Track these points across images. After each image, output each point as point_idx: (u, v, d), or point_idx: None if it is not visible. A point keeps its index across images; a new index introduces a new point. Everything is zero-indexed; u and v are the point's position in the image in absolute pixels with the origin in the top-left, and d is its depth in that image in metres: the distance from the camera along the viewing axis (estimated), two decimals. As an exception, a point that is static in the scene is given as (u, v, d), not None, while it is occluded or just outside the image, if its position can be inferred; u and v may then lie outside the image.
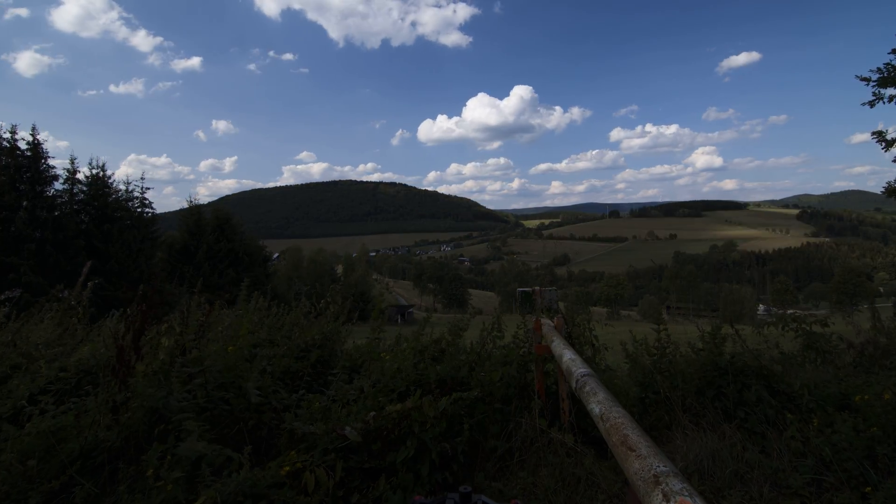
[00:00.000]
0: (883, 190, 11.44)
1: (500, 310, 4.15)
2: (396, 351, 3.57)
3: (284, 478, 2.21)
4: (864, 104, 10.31)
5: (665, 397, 3.12)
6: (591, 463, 2.50)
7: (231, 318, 4.30)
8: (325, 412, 2.65)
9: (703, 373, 3.19)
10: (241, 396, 2.84)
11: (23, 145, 27.90)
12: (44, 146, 28.84)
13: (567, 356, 2.03)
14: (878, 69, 9.51)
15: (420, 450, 2.36)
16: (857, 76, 9.68)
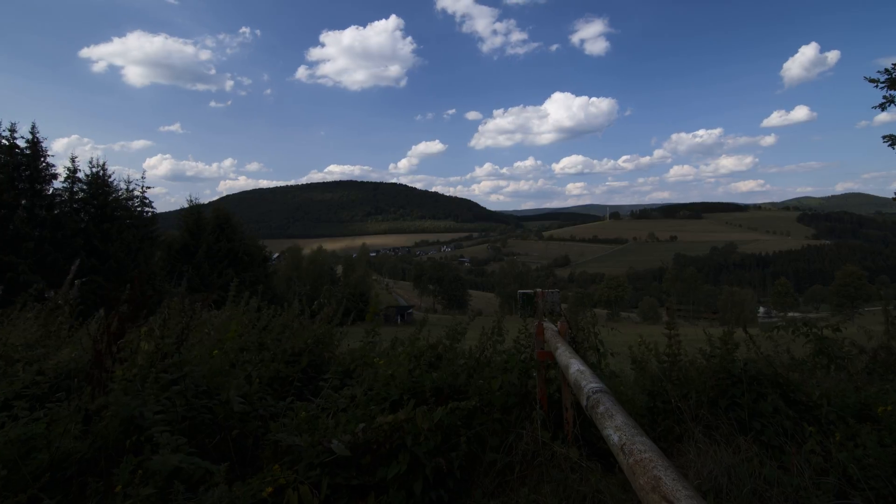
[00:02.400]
0: (895, 194, 11.33)
1: (501, 312, 3.97)
2: (391, 356, 3.39)
3: (266, 496, 2.04)
4: (874, 107, 10.15)
5: (676, 407, 2.94)
6: (598, 479, 2.32)
7: (220, 320, 4.12)
8: (311, 422, 2.47)
9: (716, 381, 3.01)
10: (223, 404, 2.67)
11: (22, 143, 27.78)
12: (43, 144, 28.72)
13: (574, 367, 1.85)
14: (887, 70, 9.34)
15: (413, 465, 2.19)
16: (865, 77, 9.52)
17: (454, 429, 2.44)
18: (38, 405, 2.86)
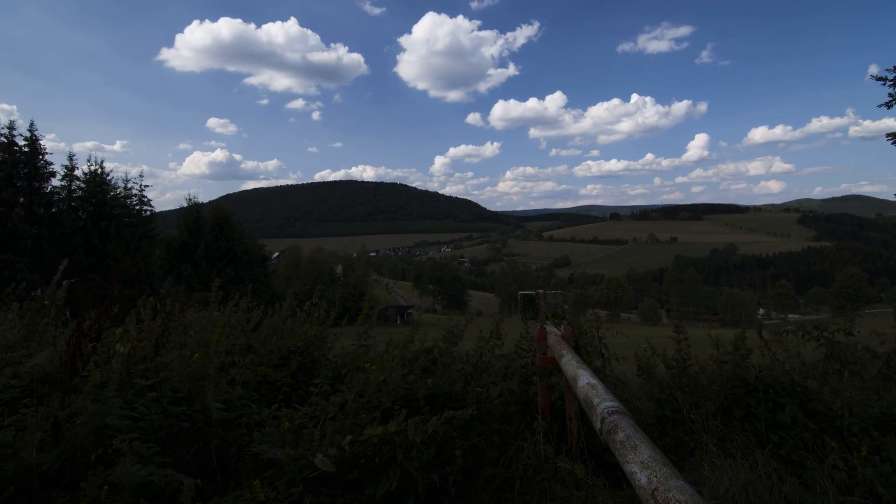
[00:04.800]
0: (896, 195, 11.17)
1: (501, 313, 3.80)
2: (383, 360, 3.21)
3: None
4: (880, 106, 9.98)
5: (687, 417, 2.76)
6: (606, 498, 2.15)
7: (207, 321, 3.94)
8: (295, 433, 2.30)
9: (730, 389, 2.83)
10: (203, 411, 2.50)
11: (20, 141, 27.62)
12: (41, 142, 28.57)
13: (583, 380, 1.66)
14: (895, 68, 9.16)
15: (404, 481, 2.01)
16: (871, 76, 9.35)
17: (449, 440, 2.26)
18: (9, 411, 2.69)
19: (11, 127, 27.42)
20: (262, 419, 2.78)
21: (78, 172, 30.10)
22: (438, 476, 2.07)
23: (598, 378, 1.65)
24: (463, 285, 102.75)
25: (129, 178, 33.43)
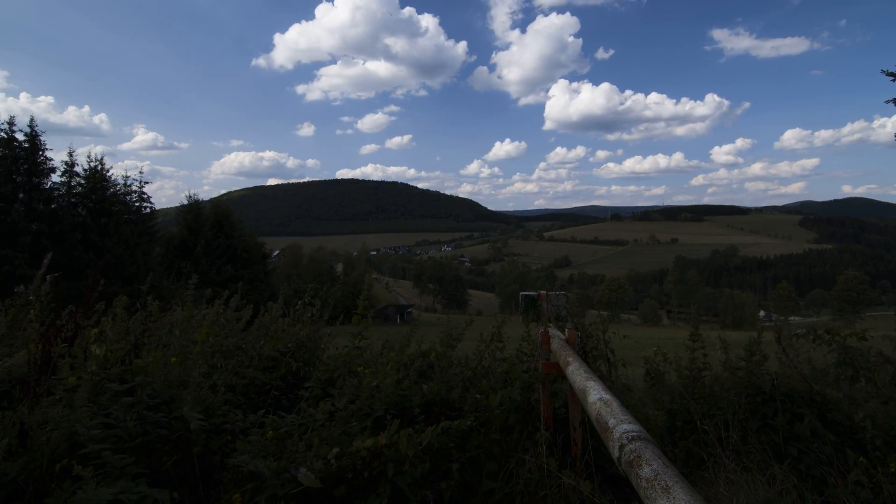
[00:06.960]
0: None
1: (501, 313, 3.63)
2: (378, 364, 3.05)
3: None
4: (887, 102, 9.80)
5: (702, 429, 2.59)
6: (614, 517, 1.99)
7: (196, 321, 3.78)
8: (279, 443, 2.14)
9: (745, 398, 2.67)
10: (182, 418, 2.35)
11: (20, 136, 27.50)
12: (41, 138, 28.45)
13: (595, 394, 1.48)
14: (907, 64, 8.99)
15: (395, 498, 1.86)
16: (883, 71, 9.16)
17: (445, 452, 2.10)
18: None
19: (11, 122, 27.31)
20: (248, 426, 2.63)
21: (77, 168, 29.99)
22: (433, 492, 1.92)
23: (611, 392, 1.47)
24: (463, 285, 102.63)
25: (128, 174, 33.32)
